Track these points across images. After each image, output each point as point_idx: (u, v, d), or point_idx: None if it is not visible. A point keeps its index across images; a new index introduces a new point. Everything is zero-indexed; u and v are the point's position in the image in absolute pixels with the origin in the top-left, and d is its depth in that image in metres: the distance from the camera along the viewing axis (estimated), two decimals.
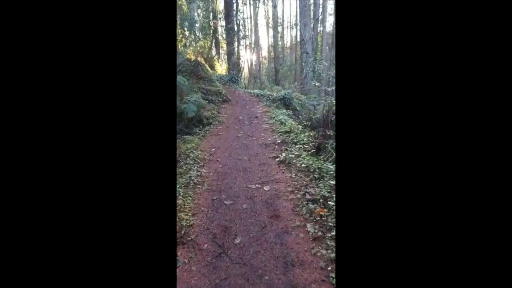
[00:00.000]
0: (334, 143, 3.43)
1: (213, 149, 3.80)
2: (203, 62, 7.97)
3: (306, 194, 2.46)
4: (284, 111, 6.41)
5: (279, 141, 4.02)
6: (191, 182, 2.70)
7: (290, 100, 7.27)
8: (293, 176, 2.86)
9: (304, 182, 2.67)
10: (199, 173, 2.93)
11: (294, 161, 3.17)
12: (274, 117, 5.61)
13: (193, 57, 7.62)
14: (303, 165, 3.01)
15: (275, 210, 2.26)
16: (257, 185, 2.71)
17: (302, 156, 3.26)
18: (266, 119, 5.56)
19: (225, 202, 2.40)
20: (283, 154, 3.47)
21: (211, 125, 5.14)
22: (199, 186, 2.67)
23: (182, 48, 10.74)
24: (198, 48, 12.33)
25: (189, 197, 2.42)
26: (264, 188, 2.63)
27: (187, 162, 3.19)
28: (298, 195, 2.45)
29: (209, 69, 7.99)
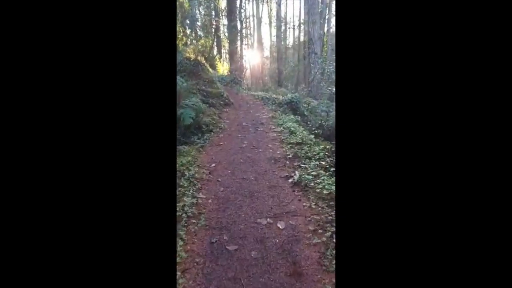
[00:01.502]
0: None
1: (213, 165, 3.21)
2: (204, 61, 7.38)
3: (334, 236, 1.88)
4: (292, 117, 5.83)
5: (290, 155, 3.44)
6: (184, 214, 2.12)
7: (297, 104, 6.69)
8: (312, 206, 2.28)
9: (329, 217, 2.09)
10: (194, 200, 2.35)
11: (312, 184, 2.59)
12: (282, 124, 5.03)
13: (192, 56, 7.03)
14: (324, 191, 2.43)
15: (295, 262, 1.68)
16: (268, 219, 2.13)
17: (321, 177, 2.68)
18: (273, 126, 4.97)
19: (227, 247, 1.81)
20: (297, 174, 2.88)
21: (212, 133, 4.55)
22: (193, 221, 2.08)
23: (182, 46, 10.19)
24: (200, 47, 11.77)
25: (180, 240, 1.83)
26: (278, 225, 2.04)
27: (181, 183, 2.61)
28: (324, 238, 1.87)
29: (210, 69, 7.41)
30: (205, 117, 4.89)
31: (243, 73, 10.90)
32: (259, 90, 11.21)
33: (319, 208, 2.23)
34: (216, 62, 12.12)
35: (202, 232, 1.97)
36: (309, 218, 2.12)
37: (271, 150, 3.70)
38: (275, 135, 4.44)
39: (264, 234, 1.95)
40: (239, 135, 4.47)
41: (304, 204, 2.33)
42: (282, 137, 4.23)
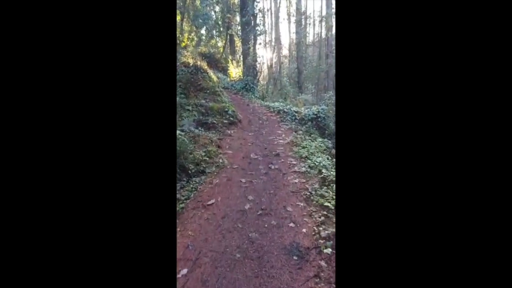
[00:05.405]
0: None
1: (185, 271, 1.75)
2: (206, 67, 5.97)
3: None
4: (319, 141, 4.26)
5: (327, 244, 1.90)
6: None
7: (325, 121, 5.10)
8: None
9: None
10: None
11: None
12: (307, 158, 3.49)
13: (191, 61, 5.64)
14: None
15: None
16: None
17: None
18: (294, 161, 3.44)
19: None
20: None
21: (204, 175, 3.11)
22: None
23: (192, 47, 8.88)
24: (208, 48, 10.44)
25: None
26: None
27: None
28: None
29: (213, 76, 5.99)
30: (197, 149, 3.46)
31: (257, 77, 9.38)
32: (276, 95, 9.68)
33: None
34: (229, 64, 10.75)
35: None
36: None
37: (291, 224, 2.18)
38: (297, 181, 2.91)
39: None
40: (243, 180, 2.99)
41: None
42: (309, 189, 2.69)
